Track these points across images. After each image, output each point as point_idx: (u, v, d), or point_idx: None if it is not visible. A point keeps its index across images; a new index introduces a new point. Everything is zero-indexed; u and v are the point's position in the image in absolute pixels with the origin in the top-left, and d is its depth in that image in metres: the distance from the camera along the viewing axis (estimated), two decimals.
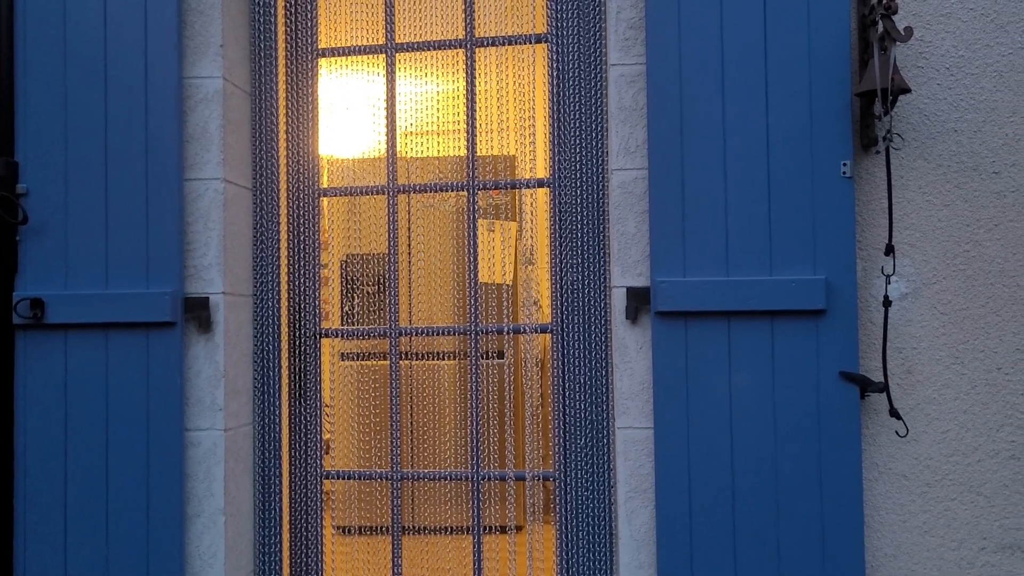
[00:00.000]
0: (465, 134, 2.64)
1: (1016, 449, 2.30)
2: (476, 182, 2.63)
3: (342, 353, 4.67)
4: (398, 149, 2.67)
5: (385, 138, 2.68)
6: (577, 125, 2.52)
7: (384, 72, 2.68)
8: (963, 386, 2.32)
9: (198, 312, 2.47)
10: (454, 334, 2.70)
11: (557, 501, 2.52)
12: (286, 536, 2.68)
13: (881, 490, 2.32)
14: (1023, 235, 2.31)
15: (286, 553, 2.68)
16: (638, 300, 2.37)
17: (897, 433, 2.31)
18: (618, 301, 2.40)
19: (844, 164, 2.27)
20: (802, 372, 2.28)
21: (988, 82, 2.34)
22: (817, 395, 2.27)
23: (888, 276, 2.24)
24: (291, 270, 2.69)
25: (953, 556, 2.31)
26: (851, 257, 2.27)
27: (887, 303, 2.24)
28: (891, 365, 2.32)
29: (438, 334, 2.68)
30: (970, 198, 2.34)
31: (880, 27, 2.19)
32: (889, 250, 2.22)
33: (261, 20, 2.67)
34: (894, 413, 2.22)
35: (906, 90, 2.18)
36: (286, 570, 2.67)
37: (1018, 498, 2.29)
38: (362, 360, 4.63)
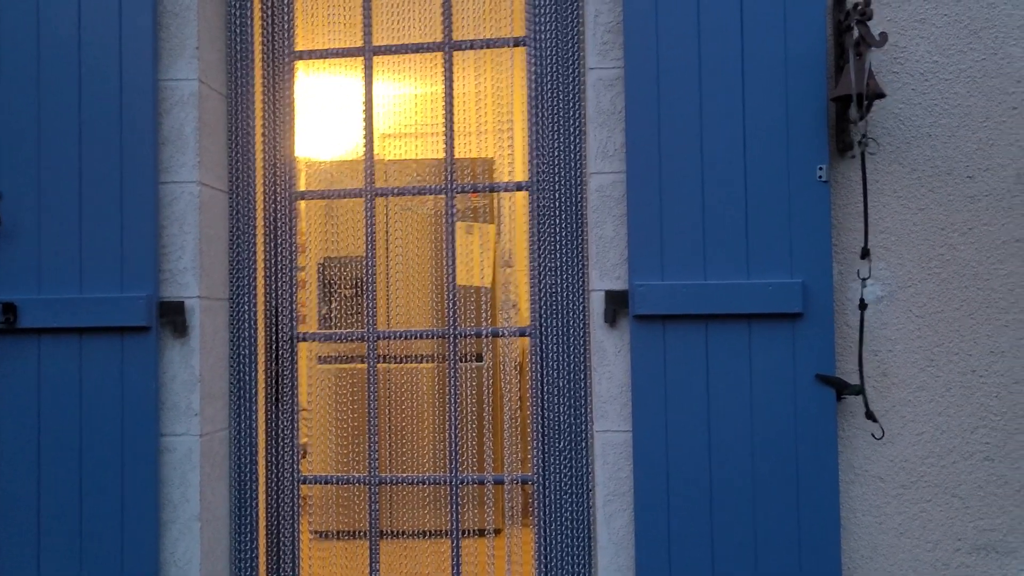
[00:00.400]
0: (443, 137, 2.64)
1: (990, 451, 2.32)
2: (454, 185, 2.63)
3: (320, 356, 4.65)
4: (376, 152, 2.66)
5: (363, 141, 2.67)
6: (555, 128, 2.52)
7: (362, 74, 2.68)
8: (938, 388, 2.34)
9: (173, 316, 2.45)
10: (432, 337, 2.69)
11: (536, 504, 2.52)
12: (262, 541, 2.66)
13: (857, 492, 2.34)
14: (996, 239, 2.34)
15: (262, 559, 2.66)
16: (616, 303, 2.37)
17: (873, 435, 2.33)
18: (596, 304, 2.40)
19: (820, 168, 2.29)
20: (779, 375, 2.29)
21: (962, 87, 2.36)
22: (794, 398, 2.28)
23: (864, 279, 2.26)
24: (268, 274, 2.67)
25: (928, 557, 2.33)
26: (827, 261, 2.28)
27: (863, 306, 2.25)
28: (867, 368, 2.34)
29: (416, 337, 2.68)
30: (944, 202, 2.35)
31: (855, 32, 2.20)
32: (865, 254, 2.24)
33: (237, 22, 2.66)
34: (870, 416, 2.23)
35: (881, 95, 2.19)
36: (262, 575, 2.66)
37: (992, 499, 2.31)
38: (340, 364, 4.61)
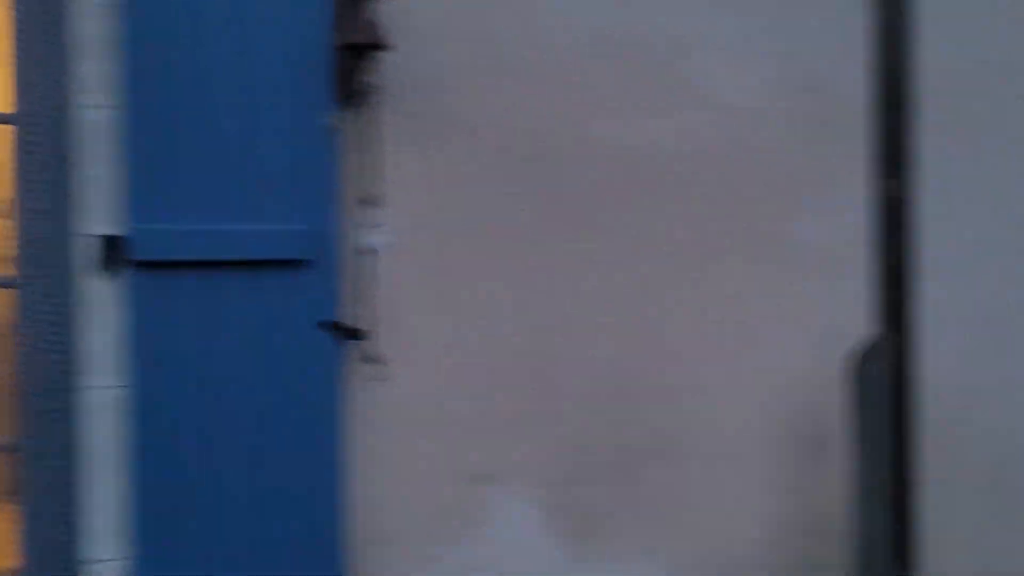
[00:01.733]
0: None
1: (481, 390, 2.48)
2: None
3: None
4: None
5: None
6: (46, 56, 2.26)
7: None
8: (440, 333, 2.46)
9: None
10: None
11: (24, 471, 2.29)
12: None
13: (361, 433, 2.38)
14: (500, 191, 2.49)
15: None
16: (112, 249, 2.20)
17: (377, 379, 2.38)
18: (90, 251, 2.21)
19: (326, 116, 2.28)
20: (286, 322, 2.28)
21: (467, 45, 2.47)
22: (300, 345, 2.29)
23: (369, 228, 2.30)
24: None
25: (433, 490, 2.45)
26: (333, 208, 2.29)
27: (368, 253, 2.30)
28: (373, 313, 2.38)
29: None
30: (450, 154, 2.46)
31: None
32: (370, 202, 2.28)
33: None
34: (372, 359, 2.29)
35: (387, 47, 2.23)
36: None
37: (484, 434, 2.48)
38: None
